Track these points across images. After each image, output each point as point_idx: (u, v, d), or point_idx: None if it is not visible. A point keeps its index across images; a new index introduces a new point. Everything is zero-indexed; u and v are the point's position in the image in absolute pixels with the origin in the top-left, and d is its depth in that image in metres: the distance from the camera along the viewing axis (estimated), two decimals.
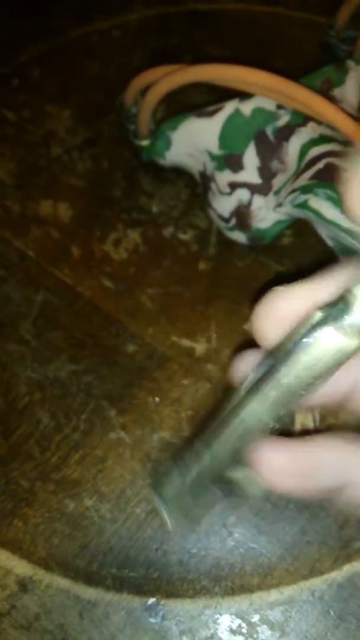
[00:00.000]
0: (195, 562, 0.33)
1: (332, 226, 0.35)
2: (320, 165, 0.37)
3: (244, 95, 0.40)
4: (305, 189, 0.36)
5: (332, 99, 0.41)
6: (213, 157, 0.40)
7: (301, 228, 0.43)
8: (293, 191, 0.37)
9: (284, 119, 0.39)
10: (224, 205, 0.40)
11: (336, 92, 0.42)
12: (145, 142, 0.43)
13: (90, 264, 0.42)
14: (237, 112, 0.39)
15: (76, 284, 0.42)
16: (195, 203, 0.44)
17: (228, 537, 0.34)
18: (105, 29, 0.54)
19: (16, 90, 0.51)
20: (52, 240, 0.43)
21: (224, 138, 0.40)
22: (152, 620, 0.32)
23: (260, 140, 0.39)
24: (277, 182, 0.39)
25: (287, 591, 0.33)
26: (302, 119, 0.39)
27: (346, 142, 0.39)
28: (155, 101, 0.41)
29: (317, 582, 0.33)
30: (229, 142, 0.40)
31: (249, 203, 0.39)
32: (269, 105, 0.39)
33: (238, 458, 0.21)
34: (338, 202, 0.35)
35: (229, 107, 0.39)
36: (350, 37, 0.45)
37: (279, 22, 0.53)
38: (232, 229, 0.41)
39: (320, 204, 0.35)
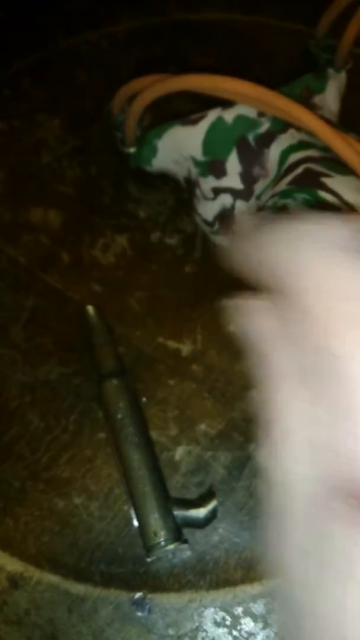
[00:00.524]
0: (181, 557, 0.34)
1: None
2: (299, 170, 0.37)
3: (226, 104, 0.40)
4: (284, 194, 0.37)
5: (312, 107, 0.42)
6: (197, 163, 0.41)
7: None
8: (273, 196, 0.37)
9: (265, 126, 0.40)
10: (208, 209, 0.41)
11: (317, 99, 0.43)
12: (132, 150, 0.44)
13: (80, 269, 0.43)
14: (219, 120, 0.40)
15: (66, 289, 0.42)
16: (181, 208, 0.45)
17: (212, 532, 0.35)
18: (94, 40, 0.55)
19: (7, 100, 0.52)
20: (42, 246, 0.44)
21: (207, 145, 0.40)
22: (139, 614, 0.33)
23: (242, 147, 0.40)
24: (258, 187, 0.40)
25: (270, 584, 0.33)
26: (282, 125, 0.40)
27: (324, 148, 0.39)
28: (141, 109, 0.42)
29: None
30: (212, 149, 0.40)
31: (232, 207, 0.40)
32: (250, 113, 0.40)
33: None
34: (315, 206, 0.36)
35: (212, 115, 0.40)
36: (330, 46, 0.45)
37: (261, 32, 0.53)
38: (216, 232, 0.41)
39: (299, 209, 0.36)
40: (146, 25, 0.55)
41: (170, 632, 0.32)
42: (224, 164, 0.40)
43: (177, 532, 0.33)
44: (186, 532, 0.34)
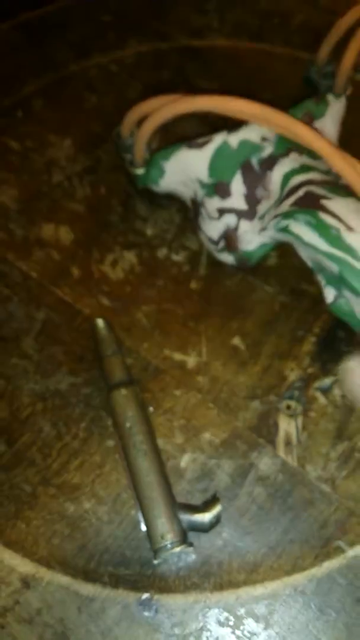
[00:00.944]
0: (187, 560, 0.35)
1: (311, 249, 0.38)
2: (300, 193, 0.39)
3: (231, 128, 0.42)
4: (286, 215, 0.38)
5: None
6: (203, 185, 0.42)
7: (285, 250, 0.45)
8: (276, 216, 0.39)
9: (268, 150, 0.41)
10: (213, 229, 0.43)
11: (317, 124, 0.44)
12: (140, 171, 0.45)
13: (89, 284, 0.44)
14: (225, 144, 0.42)
15: (76, 302, 0.44)
16: (187, 227, 0.47)
17: (217, 537, 0.36)
18: (103, 64, 0.57)
19: (20, 121, 0.53)
20: (54, 261, 0.45)
21: (213, 168, 0.42)
22: (146, 614, 0.34)
23: (246, 169, 0.41)
24: (261, 208, 0.41)
25: (271, 586, 0.34)
26: (284, 149, 0.41)
27: (326, 172, 0.41)
28: (150, 132, 0.43)
29: (299, 578, 0.35)
30: (217, 171, 0.42)
31: (236, 227, 0.42)
32: (254, 137, 0.41)
33: None
34: (316, 227, 0.37)
35: (218, 139, 0.42)
36: (330, 72, 0.47)
37: (264, 58, 0.55)
38: (221, 251, 0.43)
39: (300, 229, 0.38)
40: (153, 50, 0.57)
41: (176, 631, 0.34)
42: (229, 186, 0.42)
43: (183, 535, 0.34)
44: (191, 536, 0.35)
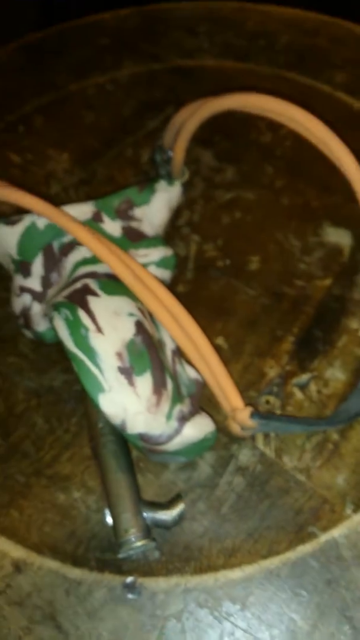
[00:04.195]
0: (169, 546, 0.36)
1: (64, 346, 0.35)
2: (77, 285, 0.37)
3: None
4: (56, 306, 0.36)
5: (129, 218, 0.43)
6: (13, 260, 0.42)
7: (266, 256, 0.46)
8: (51, 304, 0.37)
9: (70, 236, 0.41)
10: (15, 304, 0.42)
11: (137, 211, 0.44)
12: None
13: None
14: (33, 225, 0.41)
15: None
16: (175, 234, 0.48)
17: (198, 523, 0.37)
18: (100, 83, 0.58)
19: (21, 136, 0.55)
20: None
21: (20, 246, 0.41)
22: (130, 596, 0.35)
23: (47, 253, 0.41)
24: (50, 292, 0.41)
25: (248, 570, 0.35)
26: None
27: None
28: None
29: (274, 562, 0.35)
30: (23, 250, 0.41)
31: (30, 307, 0.41)
32: None
33: None
34: (70, 323, 0.35)
35: (28, 219, 0.41)
36: (171, 158, 0.46)
37: (250, 77, 0.56)
38: (21, 326, 0.42)
39: (59, 323, 0.35)
40: (147, 70, 0.59)
41: (158, 612, 0.34)
42: (30, 266, 0.41)
43: (147, 531, 0.34)
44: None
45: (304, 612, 0.34)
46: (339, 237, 0.47)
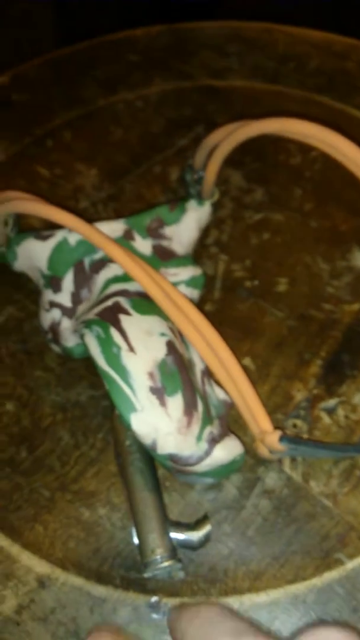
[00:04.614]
0: (194, 567, 0.36)
1: (95, 364, 0.35)
2: (109, 302, 0.37)
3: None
4: (87, 323, 0.37)
5: (160, 236, 0.44)
6: (43, 275, 0.42)
7: (294, 278, 0.46)
8: (82, 322, 0.37)
9: (101, 253, 0.41)
10: (44, 319, 0.42)
11: (167, 230, 0.44)
12: (1, 249, 0.45)
13: None
14: (64, 240, 0.42)
15: None
16: (203, 252, 0.48)
17: (223, 545, 0.36)
18: (129, 100, 0.58)
19: (50, 150, 0.55)
20: None
21: (51, 262, 0.42)
22: (154, 616, 0.35)
23: (78, 269, 0.41)
24: (80, 308, 0.41)
25: (274, 594, 0.35)
26: None
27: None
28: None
29: (300, 587, 0.35)
30: (54, 265, 0.42)
31: (59, 323, 0.41)
32: None
33: None
34: (102, 342, 0.35)
35: (60, 235, 0.42)
36: (202, 179, 0.46)
37: (279, 98, 0.57)
38: (49, 341, 0.42)
39: (90, 340, 0.35)
40: (177, 88, 0.59)
41: None
42: (61, 281, 0.41)
43: (173, 551, 0.34)
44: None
45: None
46: None
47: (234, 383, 0.37)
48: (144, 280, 0.38)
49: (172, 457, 0.34)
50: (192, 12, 0.80)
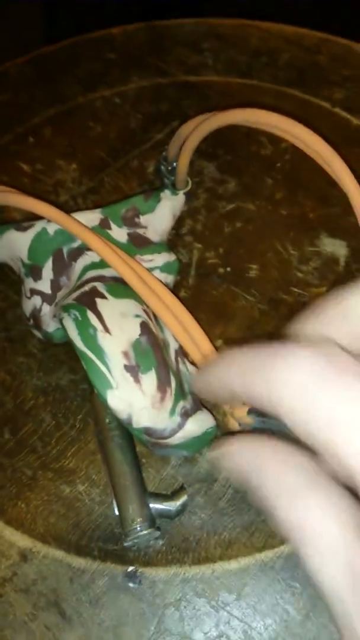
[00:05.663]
0: (169, 538, 0.37)
1: (73, 345, 0.37)
2: (86, 288, 0.39)
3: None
4: (65, 307, 0.38)
5: (135, 225, 0.45)
6: (23, 264, 0.44)
7: (264, 263, 0.48)
8: (60, 306, 0.39)
9: (79, 241, 0.42)
10: (25, 306, 0.43)
11: (142, 219, 0.45)
12: None
13: None
14: (43, 231, 0.43)
15: None
16: (178, 241, 0.49)
17: (196, 517, 0.38)
18: (108, 97, 0.60)
19: (31, 147, 0.56)
20: None
21: (31, 251, 0.43)
22: (131, 585, 0.36)
23: (57, 257, 0.43)
24: (60, 295, 0.42)
25: (244, 561, 0.37)
26: None
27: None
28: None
29: (269, 555, 0.37)
30: (34, 255, 0.43)
31: (40, 309, 0.43)
32: None
33: None
34: (79, 324, 0.37)
35: (39, 225, 0.43)
36: (175, 169, 0.48)
37: (253, 92, 0.58)
38: (31, 327, 0.44)
39: (68, 323, 0.37)
40: (153, 85, 0.60)
41: (157, 601, 0.36)
42: (41, 270, 0.43)
43: (152, 520, 0.36)
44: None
45: (296, 603, 0.35)
46: (335, 247, 0.48)
47: (201, 353, 0.39)
48: (119, 266, 0.39)
49: (147, 431, 0.36)
50: (181, 9, 0.81)
